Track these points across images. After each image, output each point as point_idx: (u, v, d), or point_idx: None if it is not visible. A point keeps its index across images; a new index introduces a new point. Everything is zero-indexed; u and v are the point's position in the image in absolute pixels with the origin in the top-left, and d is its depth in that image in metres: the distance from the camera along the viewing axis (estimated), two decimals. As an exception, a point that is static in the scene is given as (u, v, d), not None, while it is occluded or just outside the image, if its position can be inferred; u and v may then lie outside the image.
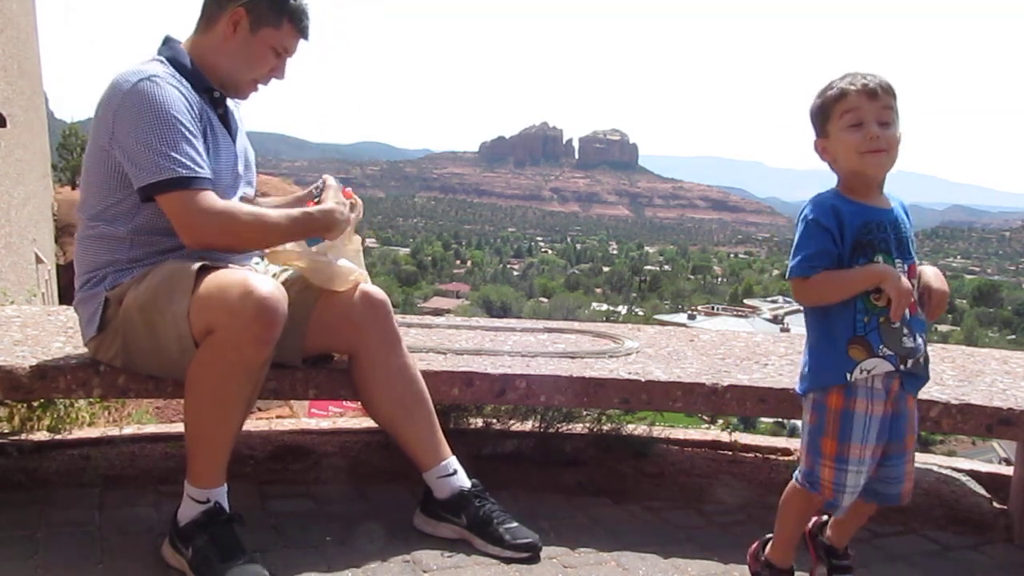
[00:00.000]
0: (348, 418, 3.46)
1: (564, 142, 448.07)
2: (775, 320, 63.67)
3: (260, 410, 4.18)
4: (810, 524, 1.96)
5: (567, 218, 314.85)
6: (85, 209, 2.07)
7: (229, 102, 2.19)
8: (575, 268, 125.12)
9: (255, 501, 2.32)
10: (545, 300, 67.44)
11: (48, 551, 1.95)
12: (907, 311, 1.68)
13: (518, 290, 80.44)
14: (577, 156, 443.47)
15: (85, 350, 2.12)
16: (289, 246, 2.12)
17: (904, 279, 1.68)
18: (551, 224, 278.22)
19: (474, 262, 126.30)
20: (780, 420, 15.83)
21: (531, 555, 2.04)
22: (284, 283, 2.10)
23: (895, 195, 1.80)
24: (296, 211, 2.10)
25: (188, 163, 1.93)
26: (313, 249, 2.13)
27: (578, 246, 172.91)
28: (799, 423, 1.90)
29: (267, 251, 2.16)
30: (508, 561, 2.02)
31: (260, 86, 2.18)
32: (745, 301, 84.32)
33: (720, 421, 6.19)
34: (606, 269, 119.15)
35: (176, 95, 1.97)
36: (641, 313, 63.57)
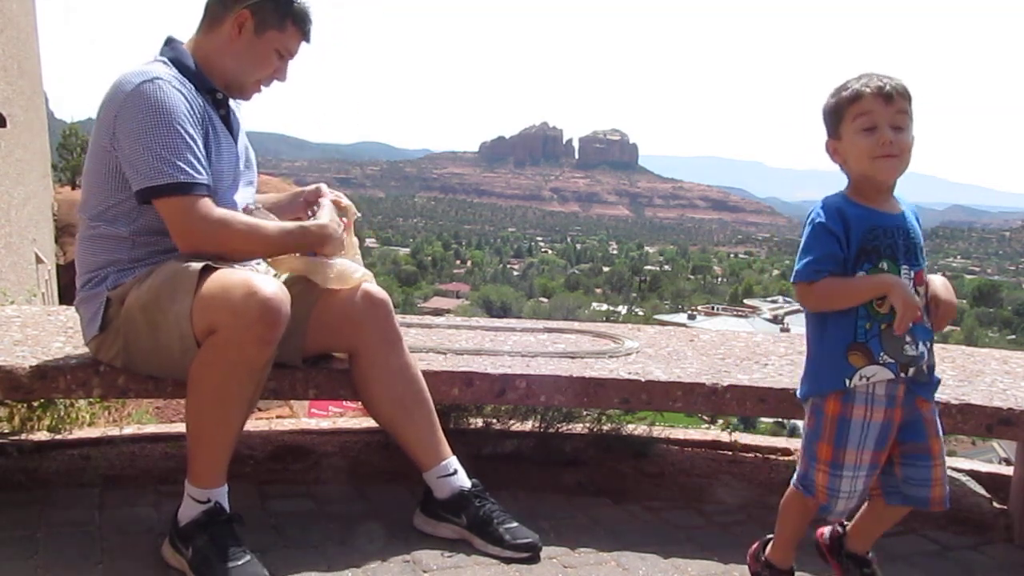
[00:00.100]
0: (348, 418, 3.46)
1: (564, 142, 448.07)
2: (775, 320, 63.68)
3: (260, 410, 4.18)
4: (827, 540, 1.93)
5: (567, 218, 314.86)
6: (86, 209, 2.07)
7: (231, 102, 2.19)
8: (575, 268, 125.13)
9: (255, 501, 2.33)
10: (545, 300, 67.43)
11: (48, 551, 1.95)
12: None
13: (518, 290, 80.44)
14: (577, 156, 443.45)
15: (85, 350, 2.12)
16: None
17: (912, 292, 1.65)
18: (551, 224, 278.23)
19: (474, 262, 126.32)
20: (780, 420, 15.83)
21: (531, 555, 2.04)
22: (284, 282, 2.10)
23: (905, 199, 1.77)
24: (292, 224, 2.12)
25: (187, 168, 1.93)
26: (311, 258, 2.14)
27: (578, 246, 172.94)
28: (799, 423, 1.90)
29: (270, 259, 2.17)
30: (508, 561, 2.02)
31: (263, 87, 2.19)
32: (745, 301, 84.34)
33: (720, 421, 6.18)
34: (606, 269, 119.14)
35: (178, 98, 1.97)
36: (641, 313, 63.56)
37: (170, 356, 1.93)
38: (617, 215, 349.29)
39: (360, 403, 2.24)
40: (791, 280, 1.75)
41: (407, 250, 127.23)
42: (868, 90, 1.66)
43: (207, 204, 1.96)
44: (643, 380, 2.31)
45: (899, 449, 1.75)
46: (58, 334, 2.41)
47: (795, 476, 1.82)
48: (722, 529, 2.35)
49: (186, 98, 2.00)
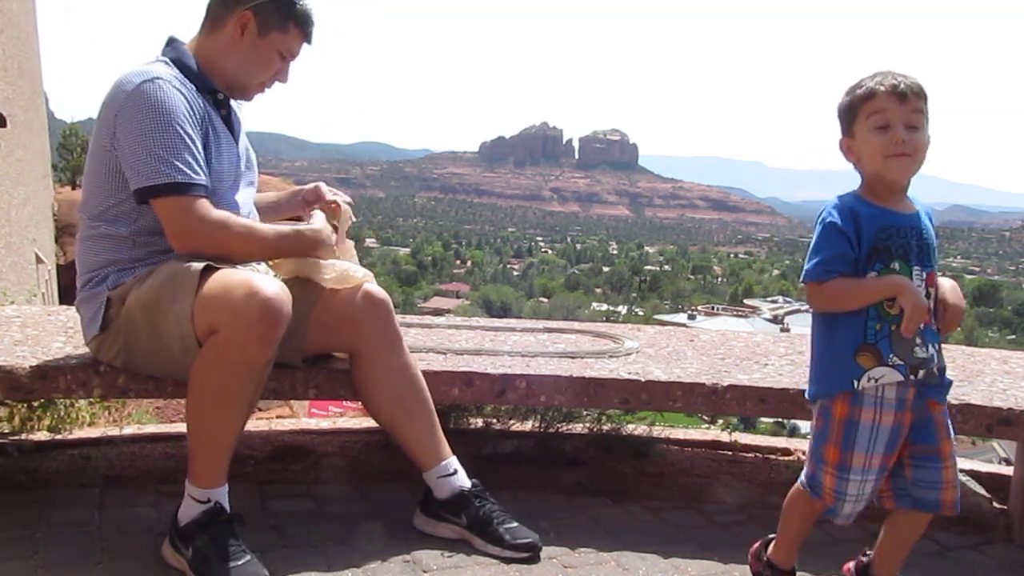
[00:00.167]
0: (348, 418, 3.46)
1: (564, 142, 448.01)
2: (775, 320, 63.69)
3: (260, 410, 4.18)
4: (854, 573, 1.89)
5: (567, 218, 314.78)
6: (87, 209, 2.07)
7: (232, 102, 2.19)
8: (575, 268, 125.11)
9: (255, 501, 2.33)
10: (545, 300, 67.44)
11: (48, 551, 1.95)
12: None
13: (518, 290, 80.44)
14: (577, 156, 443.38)
15: (85, 350, 2.12)
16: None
17: (921, 294, 1.64)
18: (551, 224, 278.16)
19: (474, 262, 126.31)
20: (780, 420, 15.83)
21: (531, 555, 2.04)
22: (285, 282, 2.10)
23: (920, 200, 1.75)
24: (287, 228, 2.12)
25: (186, 169, 1.93)
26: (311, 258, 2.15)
27: (578, 246, 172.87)
28: (799, 423, 1.89)
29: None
30: (508, 561, 2.02)
31: (265, 89, 2.19)
32: (745, 301, 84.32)
33: (720, 421, 6.18)
34: (606, 269, 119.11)
35: (179, 98, 1.97)
36: (641, 313, 63.56)
37: (171, 356, 1.93)
38: (617, 215, 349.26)
39: (360, 403, 2.24)
40: (800, 280, 1.72)
41: (407, 250, 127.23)
42: (882, 88, 1.65)
43: (204, 205, 1.96)
44: (643, 380, 2.31)
45: (909, 450, 1.73)
46: (58, 334, 2.41)
47: (802, 475, 1.80)
48: (722, 529, 2.35)
49: (187, 98, 2.00)
